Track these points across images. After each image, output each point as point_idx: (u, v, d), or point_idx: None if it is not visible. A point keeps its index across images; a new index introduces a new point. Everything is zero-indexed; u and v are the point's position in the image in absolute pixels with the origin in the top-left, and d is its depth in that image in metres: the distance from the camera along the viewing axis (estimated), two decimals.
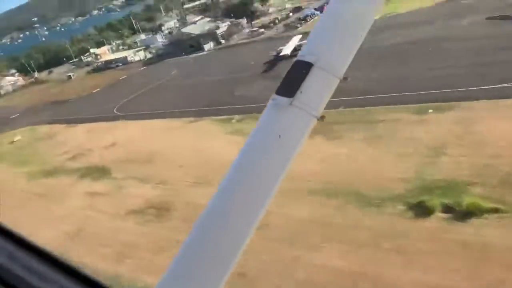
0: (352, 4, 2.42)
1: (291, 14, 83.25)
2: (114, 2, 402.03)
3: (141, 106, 55.88)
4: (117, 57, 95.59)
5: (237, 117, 40.96)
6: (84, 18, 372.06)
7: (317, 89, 2.28)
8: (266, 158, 2.29)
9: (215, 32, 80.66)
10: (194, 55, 78.05)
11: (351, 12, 2.41)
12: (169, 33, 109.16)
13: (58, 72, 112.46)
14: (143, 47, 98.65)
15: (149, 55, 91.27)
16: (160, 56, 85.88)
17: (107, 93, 69.38)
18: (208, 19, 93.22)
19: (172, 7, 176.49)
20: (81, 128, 53.55)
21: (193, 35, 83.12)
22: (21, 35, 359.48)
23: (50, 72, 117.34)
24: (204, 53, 78.12)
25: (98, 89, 73.95)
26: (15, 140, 56.57)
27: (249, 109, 41.39)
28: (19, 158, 49.58)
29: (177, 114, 48.08)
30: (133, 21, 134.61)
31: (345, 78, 2.34)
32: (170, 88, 61.15)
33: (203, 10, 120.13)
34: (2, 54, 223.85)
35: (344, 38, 2.39)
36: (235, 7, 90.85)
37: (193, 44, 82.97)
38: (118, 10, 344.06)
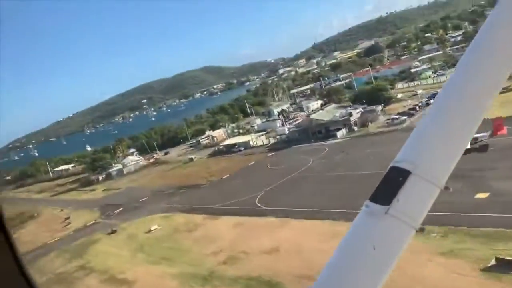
0: (455, 108, 2.23)
1: (431, 100, 76.05)
2: (215, 86, 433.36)
3: (286, 200, 50.19)
4: (239, 141, 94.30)
5: (435, 229, 32.81)
6: (187, 100, 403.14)
7: (416, 198, 2.11)
8: (359, 270, 2.10)
9: (349, 119, 75.72)
10: (327, 142, 73.02)
11: (454, 117, 2.21)
12: (284, 116, 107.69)
13: (177, 153, 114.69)
14: (264, 132, 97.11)
15: (272, 140, 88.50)
16: (286, 142, 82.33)
17: (239, 181, 65.51)
18: (334, 105, 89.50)
19: (278, 92, 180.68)
20: (225, 222, 48.72)
21: (322, 122, 78.99)
22: (132, 115, 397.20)
23: (166, 153, 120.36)
24: (338, 140, 72.80)
25: (228, 175, 70.79)
26: (152, 229, 53.38)
27: (442, 218, 33.46)
28: (162, 253, 45.43)
29: (337, 215, 41.18)
30: (247, 105, 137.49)
31: (446, 188, 2.17)
32: (313, 180, 55.22)
33: (321, 96, 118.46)
34: (116, 132, 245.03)
35: (446, 145, 2.20)
36: (366, 93, 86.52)
37: (322, 130, 78.71)
38: (219, 93, 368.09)
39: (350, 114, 77.14)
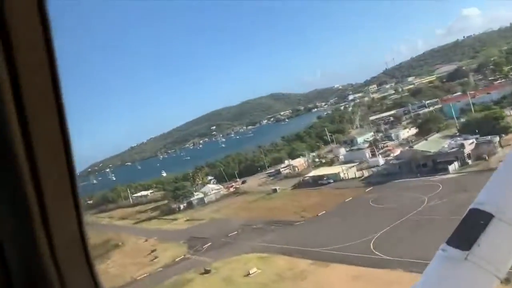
0: None
1: None
2: (282, 113, 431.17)
3: (411, 249, 42.34)
4: (327, 172, 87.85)
5: None
6: (254, 126, 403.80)
7: (500, 245, 1.85)
8: None
9: (462, 151, 66.72)
10: (437, 177, 64.48)
11: None
12: (375, 146, 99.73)
13: (256, 182, 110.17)
14: (354, 163, 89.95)
15: (366, 173, 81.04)
16: (384, 176, 74.53)
17: (341, 220, 58.69)
18: (438, 134, 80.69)
19: (355, 119, 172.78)
20: (339, 271, 42.21)
21: (428, 153, 70.51)
22: (201, 141, 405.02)
23: (244, 182, 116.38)
24: (451, 175, 63.95)
25: (324, 212, 64.41)
26: (251, 272, 48.13)
27: None
28: None
29: None
30: (328, 133, 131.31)
31: None
32: (440, 225, 46.58)
33: (414, 123, 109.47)
34: (188, 158, 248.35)
35: None
36: (476, 121, 76.92)
37: (428, 163, 70.20)
38: (287, 120, 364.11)
39: (462, 146, 68.07)
